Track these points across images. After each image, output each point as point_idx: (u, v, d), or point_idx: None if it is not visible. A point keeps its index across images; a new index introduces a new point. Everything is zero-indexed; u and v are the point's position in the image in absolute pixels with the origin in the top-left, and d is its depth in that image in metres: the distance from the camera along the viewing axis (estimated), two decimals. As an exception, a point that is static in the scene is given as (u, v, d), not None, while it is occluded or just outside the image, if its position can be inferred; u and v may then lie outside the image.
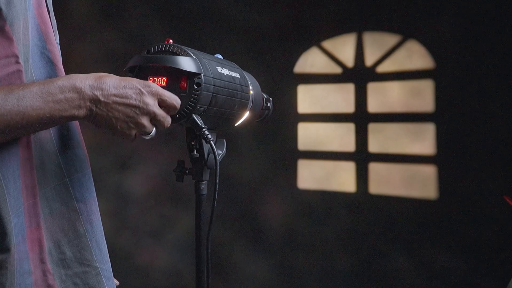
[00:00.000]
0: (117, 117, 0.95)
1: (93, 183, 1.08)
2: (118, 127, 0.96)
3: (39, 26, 1.00)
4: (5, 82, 0.91)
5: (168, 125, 1.01)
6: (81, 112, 0.93)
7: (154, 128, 1.00)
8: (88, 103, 0.93)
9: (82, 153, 1.05)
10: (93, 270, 1.05)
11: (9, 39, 0.91)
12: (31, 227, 0.97)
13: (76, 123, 1.05)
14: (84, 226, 1.04)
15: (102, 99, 0.94)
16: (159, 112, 0.98)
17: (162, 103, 0.99)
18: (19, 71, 0.93)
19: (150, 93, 0.97)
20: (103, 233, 1.09)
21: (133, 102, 0.96)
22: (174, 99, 1.00)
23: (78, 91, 0.92)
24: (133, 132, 0.98)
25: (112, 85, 0.95)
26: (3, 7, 0.90)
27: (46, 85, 0.91)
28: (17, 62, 0.93)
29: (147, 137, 1.00)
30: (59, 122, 0.94)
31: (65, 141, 1.03)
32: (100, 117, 0.95)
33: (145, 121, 0.97)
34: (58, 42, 1.11)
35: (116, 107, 0.95)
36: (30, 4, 0.98)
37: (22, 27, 0.94)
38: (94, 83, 0.94)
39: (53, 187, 1.00)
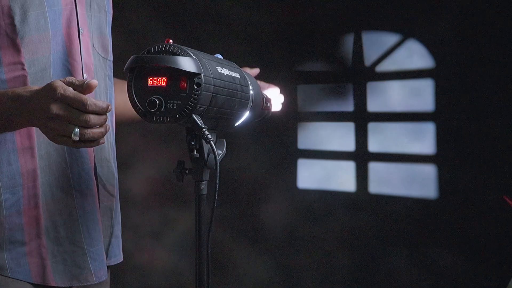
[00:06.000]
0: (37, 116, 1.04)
1: (93, 179, 1.23)
2: (46, 127, 1.03)
3: (65, 43, 1.20)
4: (11, 84, 1.13)
5: (101, 106, 1.01)
6: (23, 121, 1.07)
7: (77, 128, 1.00)
8: (25, 114, 1.06)
9: (85, 151, 1.22)
10: (81, 250, 1.21)
11: (18, 50, 1.14)
12: (29, 205, 1.16)
13: None
14: (77, 211, 1.21)
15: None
16: (68, 93, 1.00)
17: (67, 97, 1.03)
18: (24, 76, 1.14)
19: (48, 88, 1.03)
20: (99, 225, 1.24)
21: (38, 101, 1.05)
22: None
23: (17, 98, 1.07)
24: (52, 124, 1.01)
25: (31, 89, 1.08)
26: (17, 25, 1.13)
27: (4, 91, 1.09)
28: (23, 69, 1.14)
29: (74, 137, 1.00)
30: (11, 126, 1.10)
31: None
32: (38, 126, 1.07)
33: (55, 108, 1.00)
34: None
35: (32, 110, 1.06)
36: (59, 24, 1.19)
37: (37, 41, 1.15)
38: (33, 91, 1.05)
39: (56, 176, 1.18)
